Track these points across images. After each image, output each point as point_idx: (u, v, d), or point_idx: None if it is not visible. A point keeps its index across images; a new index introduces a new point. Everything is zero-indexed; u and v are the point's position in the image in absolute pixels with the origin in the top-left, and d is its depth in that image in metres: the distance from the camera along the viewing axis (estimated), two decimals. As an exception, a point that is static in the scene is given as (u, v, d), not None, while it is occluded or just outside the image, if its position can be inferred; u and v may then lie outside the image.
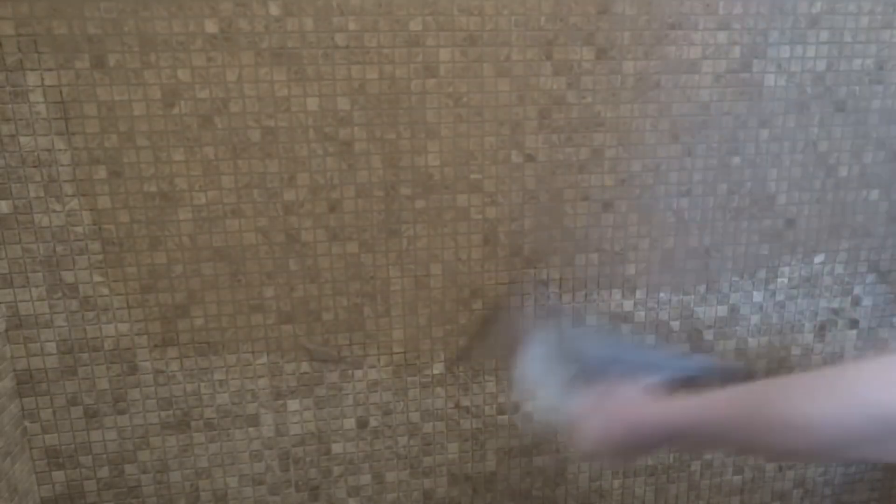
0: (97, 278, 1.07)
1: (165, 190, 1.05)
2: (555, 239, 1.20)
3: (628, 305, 1.25)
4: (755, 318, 1.30)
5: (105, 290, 1.07)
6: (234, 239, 1.09)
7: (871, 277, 1.32)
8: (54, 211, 1.03)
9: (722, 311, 1.29)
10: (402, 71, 1.07)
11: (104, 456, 1.14)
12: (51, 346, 1.08)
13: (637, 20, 1.12)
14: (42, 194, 1.02)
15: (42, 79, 0.98)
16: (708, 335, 1.30)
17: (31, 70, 0.97)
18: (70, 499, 1.15)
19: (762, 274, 1.28)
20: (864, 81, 1.21)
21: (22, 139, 0.99)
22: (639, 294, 1.25)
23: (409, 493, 1.27)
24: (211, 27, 1.00)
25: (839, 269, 1.30)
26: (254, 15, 1.01)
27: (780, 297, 1.30)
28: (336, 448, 1.22)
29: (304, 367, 1.17)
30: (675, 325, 1.28)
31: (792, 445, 0.53)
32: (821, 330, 1.34)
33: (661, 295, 1.26)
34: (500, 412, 1.26)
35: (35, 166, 1.01)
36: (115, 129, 1.02)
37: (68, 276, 1.06)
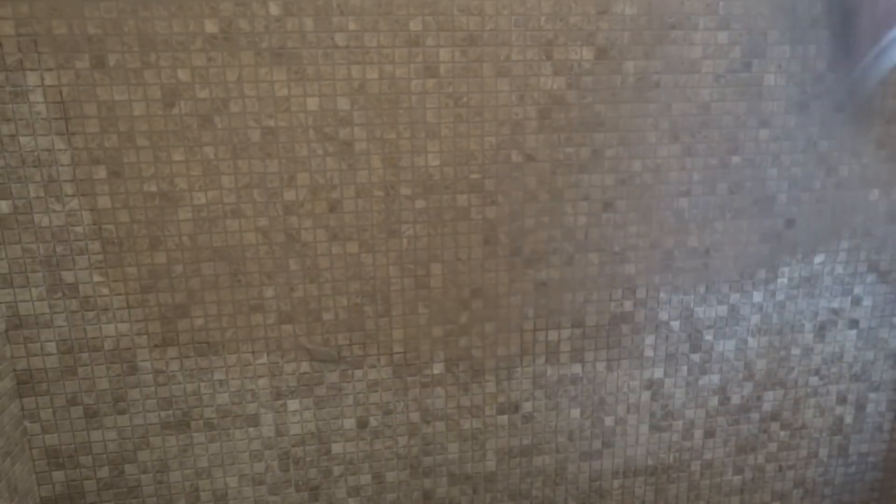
0: (97, 278, 1.07)
1: (165, 190, 1.05)
2: (555, 239, 1.20)
3: (628, 305, 1.25)
4: (755, 318, 1.30)
5: (105, 290, 1.08)
6: (234, 239, 1.09)
7: (871, 277, 1.32)
8: (54, 211, 1.03)
9: (722, 311, 1.29)
10: (402, 71, 1.07)
11: (104, 456, 1.14)
12: (51, 346, 1.08)
13: (637, 20, 1.12)
14: (42, 194, 1.02)
15: (42, 79, 0.98)
16: (708, 335, 1.30)
17: (31, 70, 0.97)
18: (70, 499, 1.15)
19: (762, 274, 1.28)
20: (864, 81, 1.21)
21: (22, 139, 0.99)
22: (639, 294, 1.25)
23: (409, 493, 1.27)
24: (211, 27, 1.00)
25: (839, 269, 1.31)
26: (254, 15, 1.01)
27: (780, 297, 1.30)
28: (336, 448, 1.22)
29: (304, 367, 1.17)
30: (675, 325, 1.28)
31: None
32: (821, 330, 1.33)
33: (661, 295, 1.26)
34: (500, 412, 1.26)
35: (35, 166, 1.01)
36: (115, 129, 1.02)
37: (68, 276, 1.06)
